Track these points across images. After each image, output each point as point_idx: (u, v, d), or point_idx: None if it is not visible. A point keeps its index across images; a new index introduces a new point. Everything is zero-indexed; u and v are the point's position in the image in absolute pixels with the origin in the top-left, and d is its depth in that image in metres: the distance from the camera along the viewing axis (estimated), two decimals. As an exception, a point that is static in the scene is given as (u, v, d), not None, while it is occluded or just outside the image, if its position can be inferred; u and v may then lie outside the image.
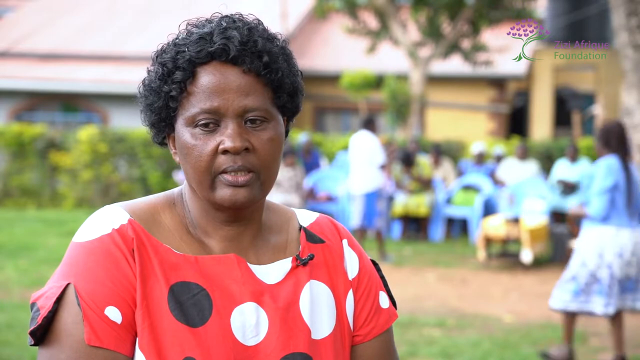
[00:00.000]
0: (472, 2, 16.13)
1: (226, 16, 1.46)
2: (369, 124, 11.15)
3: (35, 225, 13.29)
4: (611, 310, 6.35)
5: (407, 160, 12.73)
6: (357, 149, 11.05)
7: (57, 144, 16.12)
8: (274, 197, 12.40)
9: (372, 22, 17.18)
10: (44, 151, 16.05)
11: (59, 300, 1.37)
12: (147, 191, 15.42)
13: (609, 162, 6.45)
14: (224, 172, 1.41)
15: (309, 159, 14.36)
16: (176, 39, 1.46)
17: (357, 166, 11.08)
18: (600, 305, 6.38)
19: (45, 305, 1.38)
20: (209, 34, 1.42)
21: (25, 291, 9.05)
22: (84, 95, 20.32)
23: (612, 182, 6.36)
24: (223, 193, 1.41)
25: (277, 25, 20.31)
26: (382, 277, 1.63)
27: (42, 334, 1.38)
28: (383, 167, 11.14)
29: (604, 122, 6.93)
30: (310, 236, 1.56)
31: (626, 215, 6.41)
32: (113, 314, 1.38)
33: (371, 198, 11.05)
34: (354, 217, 11.16)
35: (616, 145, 6.40)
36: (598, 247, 6.41)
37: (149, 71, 1.47)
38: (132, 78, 19.87)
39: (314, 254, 1.53)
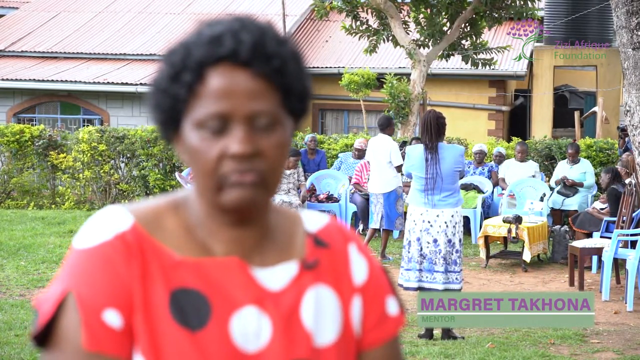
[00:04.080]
0: (473, 1, 16.11)
1: (238, 17, 1.43)
2: (387, 126, 11.23)
3: (35, 225, 13.28)
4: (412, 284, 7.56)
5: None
6: (376, 150, 11.13)
7: (57, 144, 16.11)
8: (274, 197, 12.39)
9: (372, 21, 17.17)
10: (44, 151, 16.03)
11: (59, 305, 1.37)
12: (147, 191, 15.42)
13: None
14: (230, 175, 1.39)
15: (314, 158, 14.36)
16: (186, 39, 1.43)
17: (376, 168, 11.17)
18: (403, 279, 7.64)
19: (45, 311, 1.37)
20: (220, 36, 1.39)
21: (25, 291, 9.05)
22: (84, 95, 20.32)
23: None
24: (229, 196, 1.39)
25: (277, 25, 20.29)
26: (391, 283, 1.60)
27: (44, 338, 1.38)
28: (398, 168, 11.17)
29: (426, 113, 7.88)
30: (317, 240, 1.53)
31: (425, 197, 7.42)
32: (112, 319, 1.36)
33: (390, 198, 11.13)
34: (374, 217, 11.24)
35: (423, 134, 7.47)
36: (409, 224, 7.62)
37: (157, 71, 1.45)
38: (131, 78, 19.87)
39: (319, 258, 1.51)
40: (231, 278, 1.43)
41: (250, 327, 1.41)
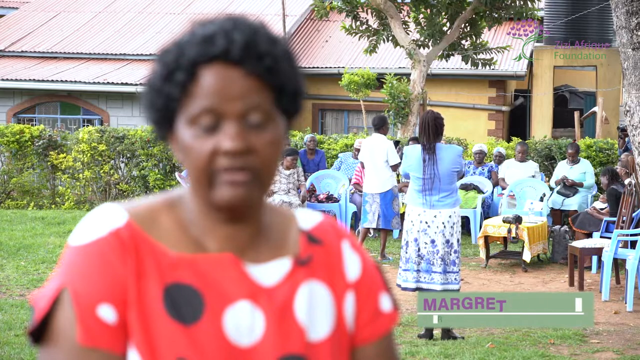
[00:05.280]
0: (473, 1, 16.11)
1: (230, 17, 1.45)
2: (382, 125, 11.22)
3: (35, 225, 13.28)
4: (410, 285, 7.59)
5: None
6: (373, 150, 11.13)
7: (57, 144, 16.11)
8: (274, 197, 12.39)
9: (372, 21, 17.17)
10: (44, 151, 16.04)
11: (55, 302, 1.38)
12: (147, 191, 15.41)
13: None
14: (223, 172, 1.40)
15: (314, 159, 14.36)
16: (179, 38, 1.45)
17: (372, 167, 11.17)
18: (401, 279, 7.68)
19: (41, 307, 1.39)
20: (212, 35, 1.41)
21: (25, 291, 9.06)
22: (84, 95, 20.32)
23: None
24: (221, 193, 1.41)
25: (277, 25, 20.31)
26: (385, 280, 1.61)
27: (40, 335, 1.40)
28: (395, 167, 11.17)
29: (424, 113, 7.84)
30: (310, 237, 1.54)
31: (422, 197, 7.42)
32: (107, 314, 1.38)
33: (387, 198, 11.13)
34: (369, 217, 11.23)
35: (420, 134, 7.44)
36: (407, 224, 7.62)
37: (151, 70, 1.47)
38: (131, 78, 19.88)
39: (313, 254, 1.52)
40: (225, 274, 1.44)
41: (243, 321, 1.43)
